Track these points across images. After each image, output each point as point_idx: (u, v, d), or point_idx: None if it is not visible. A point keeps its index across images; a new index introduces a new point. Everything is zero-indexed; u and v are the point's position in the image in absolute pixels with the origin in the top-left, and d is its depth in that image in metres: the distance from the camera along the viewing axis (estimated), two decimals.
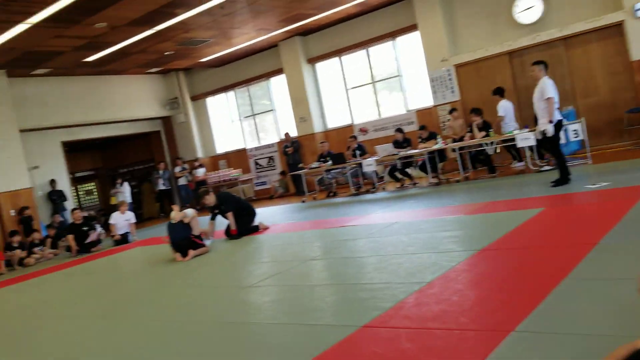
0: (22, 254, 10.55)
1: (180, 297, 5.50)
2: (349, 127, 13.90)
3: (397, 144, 11.01)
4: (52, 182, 13.71)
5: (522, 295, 3.44)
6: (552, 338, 2.71)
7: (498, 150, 10.05)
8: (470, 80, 11.87)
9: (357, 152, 11.62)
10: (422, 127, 11.04)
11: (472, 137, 10.07)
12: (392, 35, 12.93)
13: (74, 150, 16.55)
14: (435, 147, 10.28)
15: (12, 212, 11.94)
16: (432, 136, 10.76)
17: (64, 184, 14.13)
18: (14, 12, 8.58)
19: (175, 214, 7.84)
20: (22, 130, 12.64)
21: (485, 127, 9.99)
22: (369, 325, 3.43)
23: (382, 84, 13.68)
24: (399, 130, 11.20)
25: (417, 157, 10.80)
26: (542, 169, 9.29)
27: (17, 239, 10.66)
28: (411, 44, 12.85)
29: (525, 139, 8.96)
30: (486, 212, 6.67)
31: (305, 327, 3.67)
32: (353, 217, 8.45)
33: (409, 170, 11.11)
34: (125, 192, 14.55)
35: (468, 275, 4.12)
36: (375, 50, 13.48)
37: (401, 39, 13.00)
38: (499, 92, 10.32)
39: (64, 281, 8.10)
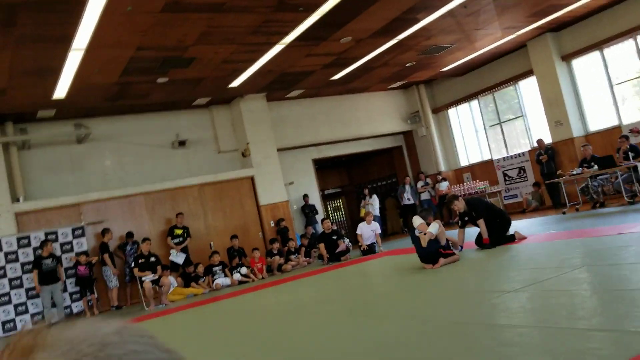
0: (280, 260, 11.30)
1: (432, 298, 5.04)
2: (617, 129, 12.00)
3: None
4: (305, 196, 14.60)
5: None
6: None
7: None
8: None
9: (631, 154, 9.88)
10: None
11: None
12: None
13: (322, 168, 17.54)
14: None
15: (272, 223, 12.97)
16: None
17: (315, 199, 14.96)
18: (271, 33, 9.30)
19: (422, 236, 7.14)
20: (279, 149, 13.76)
21: None
22: None
23: None
24: None
25: None
26: None
27: (276, 246, 11.48)
28: None
29: None
30: None
31: (575, 330, 2.88)
32: (633, 224, 7.04)
33: None
34: (374, 204, 14.76)
35: None
36: None
37: None
38: None
39: (318, 284, 8.31)
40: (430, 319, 4.15)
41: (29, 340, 0.42)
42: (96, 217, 11.42)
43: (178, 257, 11.11)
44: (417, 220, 7.45)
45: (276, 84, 12.57)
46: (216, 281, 10.54)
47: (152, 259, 10.12)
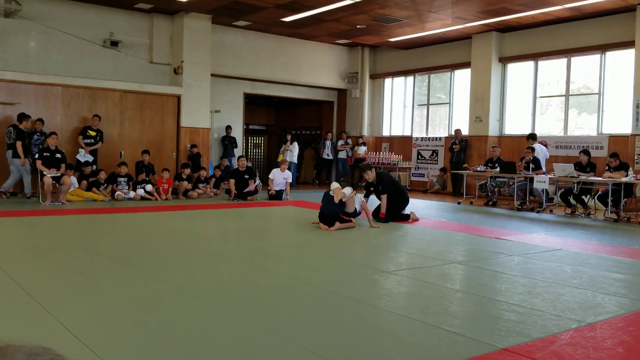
0: (188, 186, 11.40)
1: (316, 263, 5.46)
2: None
3: (580, 167, 9.95)
4: (228, 128, 14.60)
5: None
6: None
7: None
8: None
9: (532, 166, 10.73)
10: (613, 155, 9.84)
11: None
12: (602, 48, 11.65)
13: (252, 103, 17.50)
14: (624, 179, 9.11)
15: (189, 147, 12.95)
16: (622, 167, 9.55)
17: (237, 132, 15.01)
18: None
19: (336, 191, 7.63)
20: (212, 75, 13.59)
21: None
22: (510, 349, 3.04)
23: (577, 99, 12.46)
24: (586, 152, 10.11)
25: (600, 186, 9.68)
26: None
27: (187, 171, 11.54)
28: (621, 61, 11.48)
29: None
30: None
31: (439, 330, 3.37)
32: (512, 231, 7.82)
33: (584, 198, 10.02)
34: (294, 151, 14.99)
35: None
36: (579, 60, 12.27)
37: (611, 55, 11.66)
38: None
39: (217, 220, 8.57)
40: (305, 282, 4.54)
41: None
42: (8, 97, 10.93)
43: (84, 158, 10.95)
44: (334, 184, 7.86)
45: (225, 9, 12.31)
46: (117, 192, 10.52)
47: (58, 155, 9.90)
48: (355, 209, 7.91)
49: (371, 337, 3.26)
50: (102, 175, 10.63)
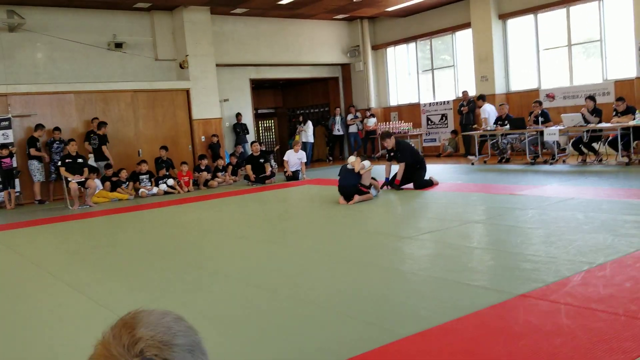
0: (207, 176, 11.74)
1: (339, 236, 5.76)
2: (535, 92, 12.99)
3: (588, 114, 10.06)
4: (238, 115, 14.86)
5: None
6: None
7: None
8: None
9: (540, 119, 10.86)
10: (619, 99, 9.94)
11: None
12: None
13: (259, 88, 17.71)
14: (632, 123, 9.24)
15: (203, 138, 13.26)
16: (629, 110, 9.66)
17: (247, 118, 15.27)
18: None
19: (355, 162, 7.95)
20: (217, 65, 13.81)
21: None
22: (527, 295, 3.31)
23: (580, 47, 12.48)
24: (591, 98, 10.21)
25: (609, 131, 9.81)
26: None
27: (204, 162, 11.86)
28: (620, 5, 11.46)
29: None
30: None
31: (461, 285, 3.65)
32: (525, 186, 8.03)
33: (595, 145, 10.17)
34: (308, 131, 15.28)
35: None
36: (577, 9, 12.26)
37: (609, 0, 11.65)
38: None
39: (240, 206, 8.90)
40: (332, 254, 4.85)
41: (129, 318, 0.85)
42: (24, 110, 11.29)
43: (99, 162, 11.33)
44: (352, 157, 8.20)
45: None
46: (141, 189, 10.89)
47: (80, 160, 10.27)
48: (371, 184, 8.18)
49: (398, 297, 3.56)
50: (124, 174, 10.99)
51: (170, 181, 11.23)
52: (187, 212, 8.60)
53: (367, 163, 7.97)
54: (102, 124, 11.35)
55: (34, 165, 10.69)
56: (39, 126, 10.88)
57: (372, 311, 3.31)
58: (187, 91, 13.27)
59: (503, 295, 3.34)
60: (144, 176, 11.11)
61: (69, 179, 9.96)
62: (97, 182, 10.63)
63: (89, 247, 6.33)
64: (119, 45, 12.65)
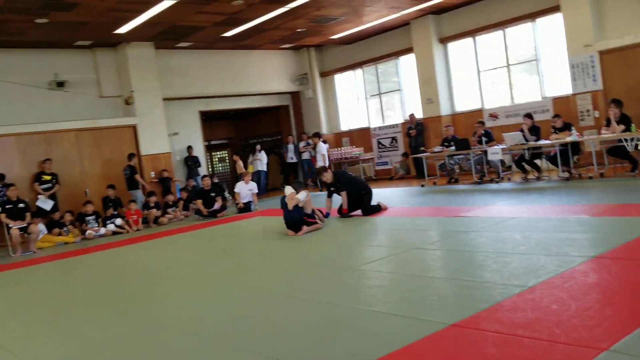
0: (157, 213, 11.53)
1: (283, 272, 5.70)
2: (478, 112, 13.33)
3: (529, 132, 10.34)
4: (189, 148, 14.73)
5: (628, 313, 3.13)
6: None
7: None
8: (615, 69, 10.81)
9: (484, 139, 11.13)
10: (556, 116, 10.28)
11: (613, 131, 9.21)
12: (532, 16, 12.11)
13: (210, 120, 17.62)
14: (569, 139, 9.55)
15: (152, 174, 13.05)
16: (566, 127, 10.00)
17: (199, 151, 15.14)
18: None
19: (289, 198, 7.80)
20: (165, 99, 13.69)
21: (624, 120, 9.07)
22: (457, 324, 3.32)
23: (518, 67, 12.91)
24: (528, 115, 10.50)
25: (548, 148, 10.11)
26: None
27: (154, 199, 11.66)
28: (552, 26, 11.95)
29: None
30: (615, 214, 6.11)
31: (395, 317, 3.64)
32: (471, 207, 8.16)
33: (537, 162, 10.45)
34: (262, 160, 15.30)
35: (575, 283, 3.81)
36: (513, 31, 12.72)
37: (541, 21, 12.13)
38: None
39: (188, 243, 8.75)
40: (273, 292, 4.79)
41: None
42: None
43: (46, 204, 10.97)
44: (288, 190, 8.06)
45: (166, 34, 12.42)
46: (88, 231, 10.60)
47: (21, 205, 9.95)
48: (314, 209, 8.12)
49: (332, 335, 3.51)
50: (68, 217, 10.69)
51: (119, 221, 10.98)
52: (133, 253, 8.40)
53: (302, 195, 7.81)
54: (132, 155, 12.30)
55: None
56: None
57: (304, 349, 3.25)
58: (134, 127, 13.10)
59: (434, 326, 3.34)
60: (91, 217, 10.84)
61: (10, 225, 9.62)
62: (41, 226, 10.30)
63: (24, 298, 6.09)
64: (60, 84, 12.43)
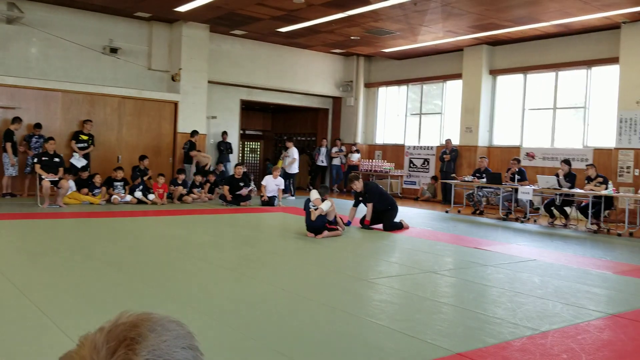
0: (183, 191, 11.69)
1: (298, 270, 5.75)
2: (516, 149, 13.22)
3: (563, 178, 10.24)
4: (224, 133, 14.90)
5: None
6: None
7: None
8: None
9: (517, 177, 11.04)
10: (589, 165, 10.15)
11: None
12: (588, 63, 11.97)
13: (248, 109, 17.80)
14: (604, 192, 9.42)
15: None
16: (602, 179, 9.85)
17: (233, 138, 15.31)
18: None
19: (313, 211, 7.73)
20: (209, 82, 13.90)
21: None
22: (464, 354, 3.33)
23: (564, 112, 12.77)
24: (567, 162, 10.39)
25: (581, 197, 9.98)
26: None
27: (182, 177, 11.83)
28: (607, 76, 11.79)
29: None
30: (639, 276, 6.02)
31: (402, 335, 3.67)
32: (492, 241, 8.12)
33: (568, 209, 10.33)
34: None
35: (589, 337, 3.78)
36: (565, 75, 12.59)
37: (597, 70, 11.99)
38: None
39: (210, 227, 8.87)
40: (285, 289, 4.84)
41: (131, 333, 0.71)
42: (9, 102, 11.23)
43: (79, 162, 11.25)
44: (314, 194, 8.05)
45: (223, 20, 12.61)
46: (114, 195, 10.81)
47: (56, 159, 10.20)
48: (338, 218, 8.13)
49: (336, 340, 3.55)
50: (98, 179, 10.92)
51: (141, 193, 11.14)
52: (156, 225, 8.54)
53: (325, 206, 7.76)
54: (194, 132, 12.96)
55: (7, 158, 10.59)
56: (16, 119, 10.82)
57: (305, 351, 3.30)
58: (176, 104, 13.32)
59: (439, 352, 3.36)
60: (119, 183, 11.04)
61: (42, 177, 9.87)
62: (71, 182, 10.54)
63: (48, 249, 6.25)
64: (114, 51, 12.71)
